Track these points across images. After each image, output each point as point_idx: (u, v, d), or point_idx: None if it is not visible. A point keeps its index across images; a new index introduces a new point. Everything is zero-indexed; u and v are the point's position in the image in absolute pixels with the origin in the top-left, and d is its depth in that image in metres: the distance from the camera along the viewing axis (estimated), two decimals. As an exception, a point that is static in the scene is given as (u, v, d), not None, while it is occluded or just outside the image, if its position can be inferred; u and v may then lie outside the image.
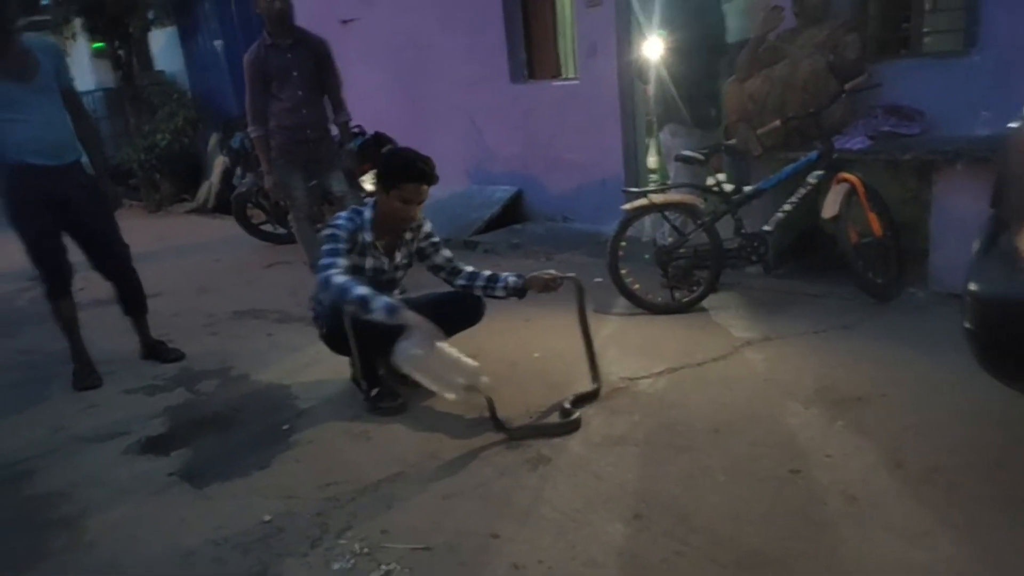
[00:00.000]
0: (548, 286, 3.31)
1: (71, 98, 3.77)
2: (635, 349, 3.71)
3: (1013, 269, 2.12)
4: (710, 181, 4.22)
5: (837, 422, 2.81)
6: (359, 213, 3.23)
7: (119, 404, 3.59)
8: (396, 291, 3.39)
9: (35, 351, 4.39)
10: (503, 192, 6.77)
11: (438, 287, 3.51)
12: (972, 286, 2.08)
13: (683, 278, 4.25)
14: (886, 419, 2.80)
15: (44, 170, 3.60)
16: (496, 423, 2.92)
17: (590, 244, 5.57)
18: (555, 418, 3.01)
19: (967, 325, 2.08)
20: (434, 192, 3.28)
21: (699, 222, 4.14)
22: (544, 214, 6.68)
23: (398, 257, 3.37)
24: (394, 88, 7.58)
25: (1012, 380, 2.20)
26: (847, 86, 4.08)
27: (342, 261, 3.06)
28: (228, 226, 7.00)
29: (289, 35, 4.87)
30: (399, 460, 2.82)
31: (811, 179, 4.09)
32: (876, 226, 4.00)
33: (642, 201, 4.11)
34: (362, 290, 2.94)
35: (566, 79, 6.70)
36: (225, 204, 7.57)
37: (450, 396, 3.00)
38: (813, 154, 4.10)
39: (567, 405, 3.03)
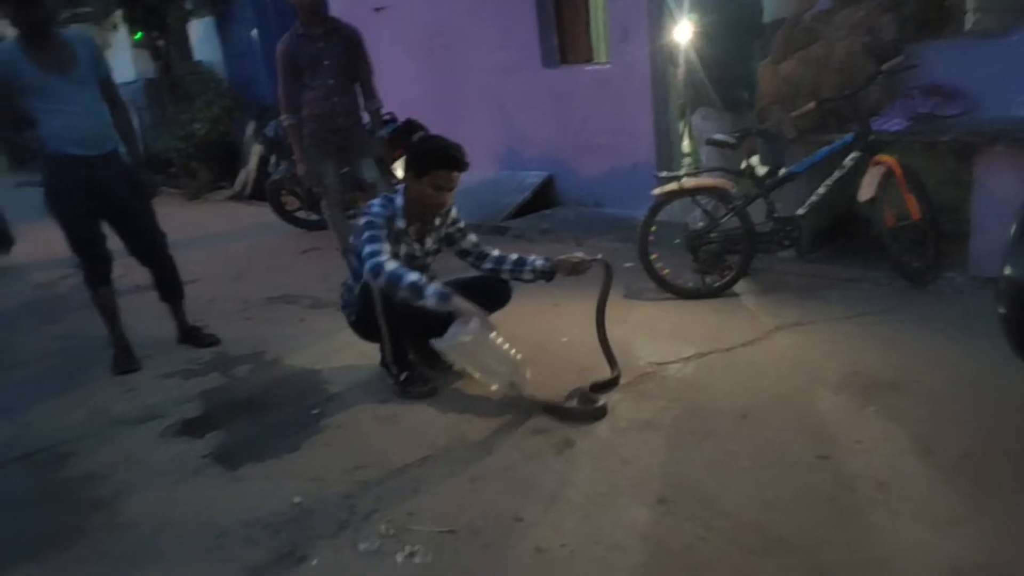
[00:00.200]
0: (576, 269, 3.31)
1: (108, 89, 3.83)
2: (664, 334, 3.69)
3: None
4: (743, 165, 4.17)
5: (868, 408, 2.77)
6: (391, 200, 3.25)
7: (156, 388, 3.68)
8: (425, 276, 3.41)
9: (77, 336, 4.51)
10: (534, 177, 6.76)
11: (465, 272, 3.52)
12: (1007, 270, 2.03)
13: (714, 263, 4.21)
14: (918, 405, 2.75)
15: (83, 159, 3.68)
16: (529, 404, 2.97)
17: (621, 229, 5.53)
18: (576, 404, 3.02)
19: (1001, 310, 2.03)
20: (465, 177, 3.29)
21: (730, 206, 4.09)
22: (575, 199, 6.66)
23: (428, 243, 3.39)
24: (426, 74, 7.60)
25: (1047, 366, 2.15)
26: (883, 67, 3.99)
27: (387, 247, 3.08)
28: (264, 213, 7.09)
29: (321, 24, 4.90)
30: (426, 444, 2.84)
31: (847, 162, 4.01)
32: (914, 209, 3.91)
33: (672, 186, 4.07)
34: (414, 276, 2.97)
35: (598, 64, 6.65)
36: (261, 191, 7.67)
37: (492, 386, 3.04)
38: (849, 136, 4.02)
39: (588, 391, 3.03)
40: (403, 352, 3.33)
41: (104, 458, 3.04)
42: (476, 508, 2.42)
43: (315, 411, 3.24)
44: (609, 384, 3.12)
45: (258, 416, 3.30)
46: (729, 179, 4.17)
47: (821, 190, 4.07)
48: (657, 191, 4.12)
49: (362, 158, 5.11)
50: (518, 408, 3.00)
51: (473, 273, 3.49)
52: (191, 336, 4.19)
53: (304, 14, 4.85)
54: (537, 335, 3.74)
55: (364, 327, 3.33)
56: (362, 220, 3.19)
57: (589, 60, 6.80)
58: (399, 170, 5.68)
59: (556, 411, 2.96)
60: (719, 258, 4.20)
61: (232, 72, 10.20)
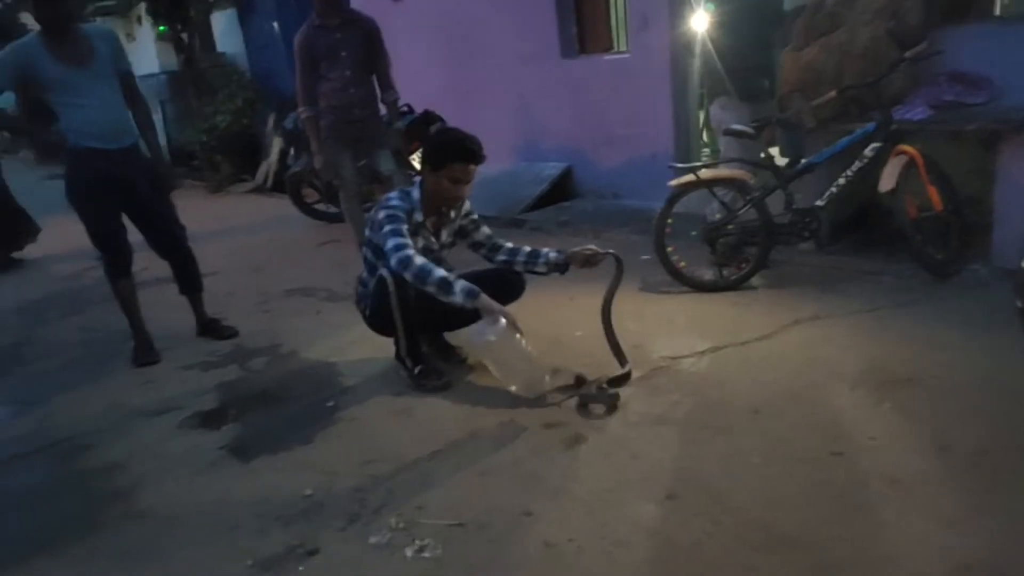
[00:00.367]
0: (589, 261, 3.30)
1: (127, 82, 3.86)
2: (679, 328, 3.67)
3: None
4: (761, 155, 4.11)
5: (884, 404, 2.73)
6: (408, 194, 3.25)
7: (175, 380, 3.73)
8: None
9: (98, 328, 4.58)
10: (552, 168, 6.73)
11: (479, 264, 3.52)
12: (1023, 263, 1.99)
13: (731, 255, 4.16)
14: (935, 401, 2.71)
15: (103, 153, 3.72)
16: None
17: (639, 221, 5.49)
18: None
19: (1019, 303, 1.98)
20: (482, 169, 3.29)
21: (748, 198, 4.04)
22: (594, 191, 6.62)
23: (444, 236, 3.39)
24: (444, 65, 7.59)
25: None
26: (907, 54, 3.91)
27: (409, 242, 3.09)
28: (285, 205, 7.13)
29: (338, 15, 4.91)
30: (438, 437, 2.85)
31: (868, 152, 3.94)
32: (936, 200, 3.84)
33: (689, 177, 4.03)
34: (442, 272, 2.99)
35: (617, 53, 6.59)
36: (282, 184, 7.73)
37: (511, 387, 3.05)
38: (870, 125, 3.95)
39: (604, 386, 3.02)
40: (417, 346, 3.33)
41: (122, 450, 3.09)
42: (485, 502, 2.42)
43: (329, 404, 3.26)
44: (622, 379, 3.10)
45: (273, 408, 3.33)
46: (747, 170, 4.12)
47: (841, 181, 4.01)
48: (673, 182, 4.09)
49: (379, 150, 5.12)
50: (530, 403, 2.99)
51: (486, 266, 3.48)
52: (210, 329, 4.23)
53: (321, 5, 4.86)
54: (552, 328, 3.73)
55: (379, 321, 3.34)
56: (380, 214, 3.17)
57: (609, 49, 6.75)
58: (416, 162, 5.69)
59: (577, 396, 2.98)
60: (737, 250, 4.15)
61: (254, 64, 10.28)
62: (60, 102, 3.67)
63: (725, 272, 4.15)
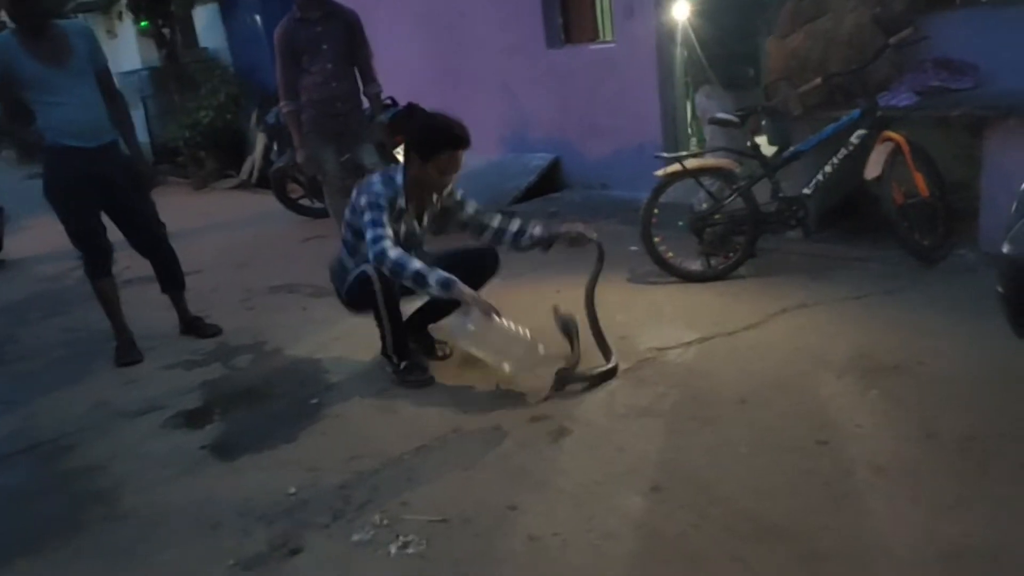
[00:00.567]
0: (575, 242, 3.27)
1: (104, 79, 3.81)
2: (666, 318, 3.65)
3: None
4: (747, 144, 4.09)
5: (870, 391, 2.72)
6: (391, 179, 3.18)
7: (158, 379, 3.69)
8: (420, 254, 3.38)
9: (81, 328, 4.53)
10: (540, 160, 6.69)
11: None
12: (1005, 248, 1.97)
13: (719, 245, 4.13)
14: (922, 388, 2.70)
15: (81, 151, 3.67)
16: (561, 380, 2.98)
17: (627, 211, 5.45)
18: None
19: (999, 288, 1.97)
20: (470, 161, 3.26)
21: (735, 187, 4.02)
22: (582, 181, 6.59)
23: (426, 219, 3.36)
24: (428, 56, 7.53)
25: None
26: (892, 40, 3.89)
27: (390, 232, 3.05)
28: (269, 201, 7.07)
29: (318, 8, 4.84)
30: (423, 433, 2.82)
31: (853, 139, 3.93)
32: (922, 186, 3.83)
33: (674, 167, 4.00)
34: (417, 265, 2.96)
35: (603, 43, 6.55)
36: (267, 179, 7.66)
37: (508, 369, 3.02)
38: (855, 112, 3.94)
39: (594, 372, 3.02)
40: (403, 341, 3.30)
41: (105, 450, 3.05)
42: (470, 497, 2.40)
43: (314, 401, 3.23)
44: (606, 375, 3.06)
45: (257, 406, 3.29)
46: (733, 159, 4.10)
47: (827, 168, 3.99)
48: (659, 172, 4.06)
49: (362, 144, 5.07)
50: (516, 398, 2.97)
51: (460, 245, 3.45)
52: (193, 327, 4.19)
53: (301, -3, 4.79)
54: (539, 321, 3.66)
55: (355, 302, 3.33)
56: (362, 200, 3.11)
57: (594, 39, 6.70)
58: (400, 156, 5.64)
59: (571, 379, 2.98)
60: (724, 240, 4.12)
61: (237, 59, 10.17)
62: (38, 100, 3.63)
63: (713, 262, 4.13)
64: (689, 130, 6.14)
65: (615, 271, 3.93)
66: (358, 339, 3.61)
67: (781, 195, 4.04)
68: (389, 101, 6.08)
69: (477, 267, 3.33)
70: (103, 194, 3.78)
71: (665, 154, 4.22)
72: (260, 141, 8.55)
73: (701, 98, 4.49)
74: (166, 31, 10.00)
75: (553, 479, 2.44)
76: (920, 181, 3.82)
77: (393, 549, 2.21)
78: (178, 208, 7.41)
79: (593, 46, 6.53)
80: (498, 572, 2.08)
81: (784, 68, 4.45)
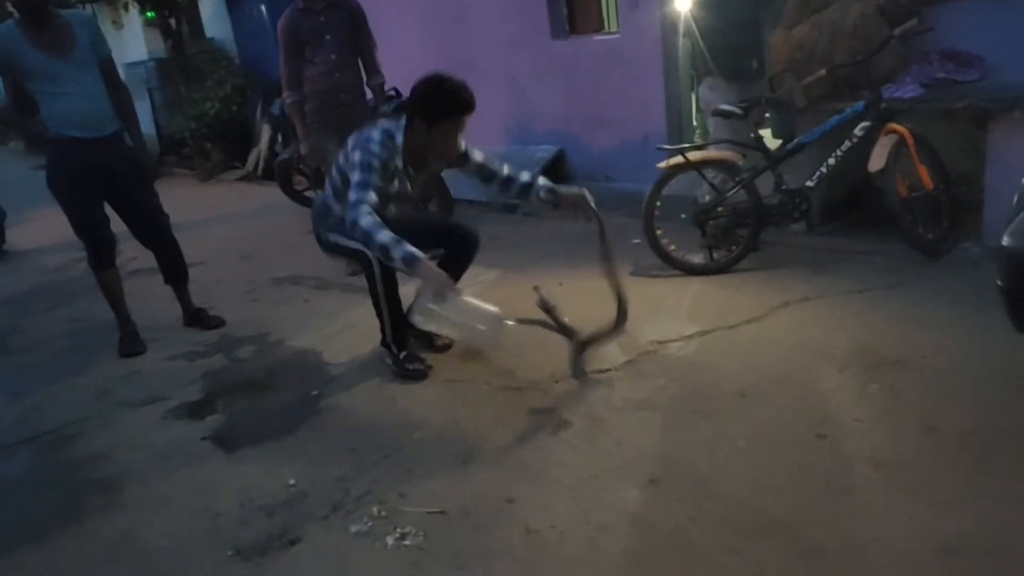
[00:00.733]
0: (578, 207, 3.20)
1: (107, 69, 3.80)
2: (668, 311, 3.64)
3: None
4: (751, 136, 4.06)
5: (871, 385, 2.71)
6: (391, 136, 3.05)
7: (161, 370, 3.70)
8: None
9: (86, 319, 4.55)
10: (544, 152, 6.66)
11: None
12: (1005, 240, 1.96)
13: (722, 237, 4.12)
14: (924, 382, 2.69)
15: (85, 142, 3.67)
16: (562, 330, 3.00)
17: (632, 204, 5.39)
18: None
19: (999, 282, 1.96)
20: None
21: (737, 179, 4.00)
22: (587, 174, 6.55)
23: (423, 178, 3.34)
24: (431, 47, 7.49)
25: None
26: (896, 31, 3.85)
27: (372, 197, 2.94)
28: (275, 193, 7.06)
29: (322, -2, 4.83)
30: (422, 425, 2.83)
31: (857, 131, 3.89)
32: (926, 179, 3.80)
33: (677, 159, 3.98)
34: (386, 238, 2.85)
35: (608, 34, 6.52)
36: (273, 171, 7.65)
37: (479, 344, 2.98)
38: (859, 104, 3.90)
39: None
40: (403, 332, 3.30)
41: (106, 441, 3.07)
42: (468, 489, 2.41)
43: (315, 392, 3.24)
44: (607, 334, 3.06)
45: (258, 398, 3.31)
46: (736, 151, 4.07)
47: (831, 161, 3.96)
48: (662, 165, 4.04)
49: (366, 135, 5.05)
50: (515, 388, 2.98)
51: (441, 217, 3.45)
52: (197, 318, 4.20)
53: (304, -14, 4.78)
54: (539, 314, 3.69)
55: (331, 250, 3.36)
56: (356, 155, 3.00)
57: (599, 30, 6.67)
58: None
59: (585, 344, 3.00)
60: (727, 232, 4.11)
61: (243, 49, 10.14)
62: (41, 91, 3.62)
63: (715, 255, 4.11)
64: (694, 122, 6.11)
65: (617, 263, 3.90)
66: (360, 331, 3.62)
67: (784, 188, 4.02)
68: (393, 92, 6.06)
69: (458, 252, 3.30)
70: (106, 185, 3.78)
71: (668, 146, 4.20)
72: (265, 132, 8.54)
73: (704, 90, 4.45)
74: (172, 22, 9.97)
75: (551, 472, 2.44)
76: (924, 174, 3.79)
77: (391, 541, 2.22)
78: (184, 200, 7.42)
79: (598, 37, 6.49)
80: (495, 565, 2.08)
81: (789, 59, 4.41)
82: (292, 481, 2.58)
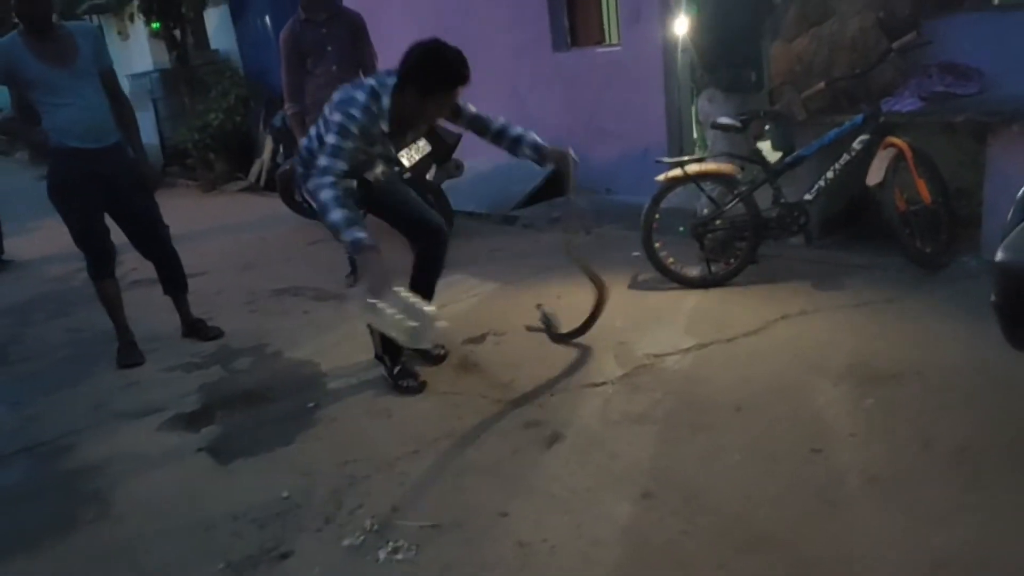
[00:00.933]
0: (558, 163, 3.36)
1: (109, 80, 3.82)
2: (665, 324, 3.63)
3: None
4: (751, 149, 4.07)
5: (867, 400, 2.70)
6: (378, 97, 2.87)
7: (158, 381, 3.71)
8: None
9: (85, 329, 4.56)
10: (545, 164, 6.67)
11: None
12: (999, 255, 1.95)
13: (720, 250, 4.12)
14: (919, 397, 2.68)
15: (86, 153, 3.69)
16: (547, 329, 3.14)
17: (631, 217, 5.40)
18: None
19: (992, 297, 1.95)
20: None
21: (736, 192, 4.00)
22: (587, 186, 6.52)
23: (407, 139, 3.33)
24: (436, 60, 7.52)
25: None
26: (894, 44, 3.86)
27: (341, 166, 2.80)
28: (277, 204, 7.05)
29: (323, 10, 4.85)
30: (417, 438, 2.83)
31: (856, 144, 3.89)
32: (925, 193, 3.80)
33: (675, 172, 3.99)
34: (337, 216, 2.73)
35: (609, 46, 6.54)
36: (275, 182, 7.68)
37: (412, 344, 2.85)
38: (858, 118, 3.90)
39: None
40: (395, 344, 3.29)
41: (103, 451, 3.07)
42: (461, 502, 2.40)
43: (311, 404, 3.24)
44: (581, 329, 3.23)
45: (255, 409, 3.30)
46: (735, 164, 4.08)
47: (829, 175, 3.96)
48: (660, 177, 4.05)
49: (367, 147, 5.07)
50: (509, 401, 2.97)
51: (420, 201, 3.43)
52: (195, 329, 4.21)
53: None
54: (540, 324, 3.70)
55: (299, 210, 3.33)
56: (336, 116, 2.82)
57: (600, 42, 6.69)
58: (404, 159, 5.64)
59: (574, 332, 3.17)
60: (725, 246, 4.11)
61: (247, 60, 10.21)
62: (42, 101, 3.65)
63: (713, 268, 4.11)
64: (695, 135, 6.13)
65: (616, 276, 3.92)
66: (358, 343, 3.62)
67: (783, 201, 4.02)
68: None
69: (424, 246, 3.27)
70: (107, 195, 3.79)
71: (666, 159, 4.20)
72: (268, 144, 8.58)
73: (703, 102, 4.46)
74: (177, 33, 10.05)
75: (545, 485, 2.43)
76: (923, 187, 3.79)
77: (383, 554, 2.21)
78: (186, 210, 7.47)
79: (599, 49, 6.53)
80: (486, 578, 2.08)
81: (789, 72, 4.43)
82: (285, 493, 2.57)
